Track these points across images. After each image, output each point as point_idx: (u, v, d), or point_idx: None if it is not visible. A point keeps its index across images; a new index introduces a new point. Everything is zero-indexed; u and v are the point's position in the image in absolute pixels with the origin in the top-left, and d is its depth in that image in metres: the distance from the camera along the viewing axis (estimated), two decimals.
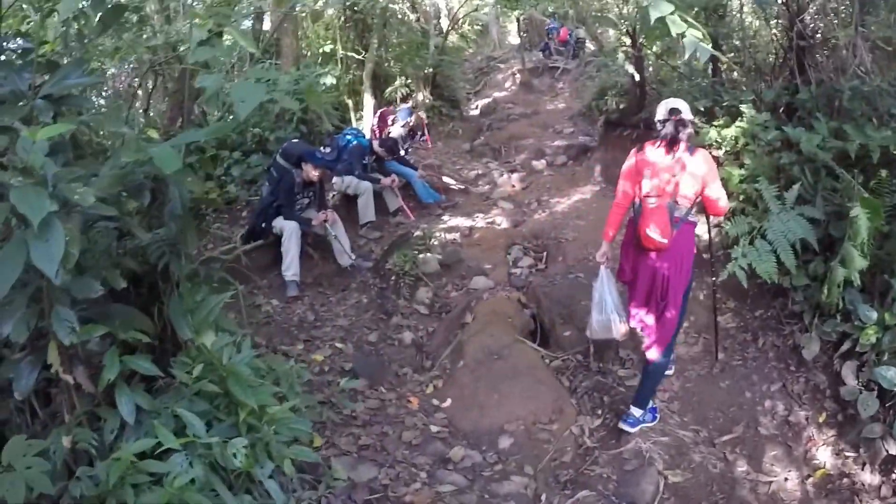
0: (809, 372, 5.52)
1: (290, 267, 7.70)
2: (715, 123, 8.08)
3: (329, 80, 10.25)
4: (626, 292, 5.11)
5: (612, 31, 19.94)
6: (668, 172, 4.37)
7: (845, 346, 5.21)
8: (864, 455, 4.70)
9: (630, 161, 4.65)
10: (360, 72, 16.16)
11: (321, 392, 5.18)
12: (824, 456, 4.88)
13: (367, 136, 10.27)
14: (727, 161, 7.56)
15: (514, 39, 23.88)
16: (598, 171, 11.03)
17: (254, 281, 7.95)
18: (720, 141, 7.83)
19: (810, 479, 4.74)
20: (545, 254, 8.35)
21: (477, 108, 18.33)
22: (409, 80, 16.32)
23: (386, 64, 16.53)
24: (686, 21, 3.19)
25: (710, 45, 3.44)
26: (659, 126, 4.52)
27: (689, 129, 4.43)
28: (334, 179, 9.39)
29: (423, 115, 11.24)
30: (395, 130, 10.45)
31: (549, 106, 17.88)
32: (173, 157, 2.61)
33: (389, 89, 16.01)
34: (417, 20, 18.97)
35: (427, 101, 15.84)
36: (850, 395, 4.89)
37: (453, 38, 25.55)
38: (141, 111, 8.71)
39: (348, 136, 9.51)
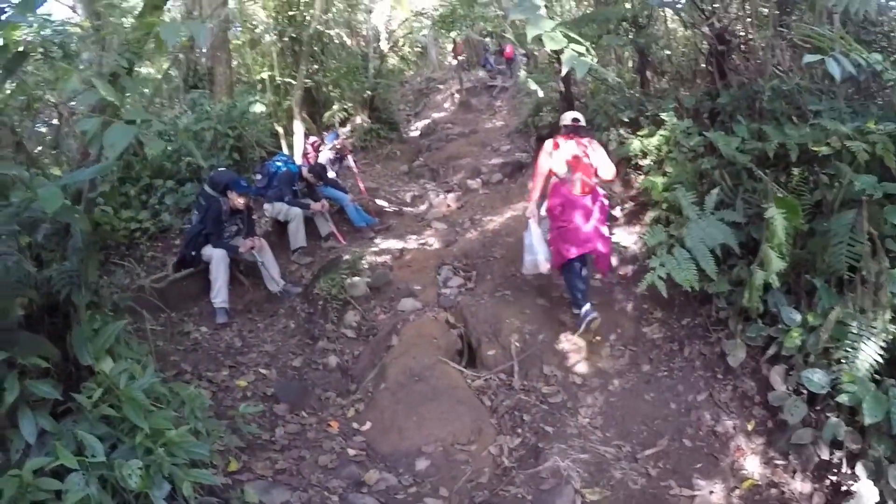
0: (737, 379, 5.65)
1: (219, 294, 7.87)
2: (639, 134, 8.43)
3: (258, 108, 10.45)
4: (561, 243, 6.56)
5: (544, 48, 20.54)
6: (580, 150, 6.44)
7: (771, 351, 5.34)
8: (795, 462, 4.73)
9: (548, 145, 6.63)
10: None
11: (237, 418, 5.28)
12: (753, 466, 4.92)
13: (299, 161, 10.48)
14: (652, 170, 7.87)
15: (453, 60, 24.21)
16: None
17: (184, 308, 8.11)
18: (644, 151, 8.17)
19: (737, 491, 4.73)
20: (474, 273, 8.61)
21: (417, 129, 18.70)
22: (348, 105, 16.62)
23: (324, 88, 16.82)
24: (568, 37, 3.37)
25: (594, 59, 3.67)
26: (566, 127, 6.62)
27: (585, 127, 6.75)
28: (265, 206, 9.59)
29: (346, 140, 11.47)
30: (323, 155, 10.67)
31: (488, 124, 18.28)
32: (55, 196, 2.77)
33: (328, 114, 16.30)
34: (357, 44, 19.33)
35: (365, 124, 16.21)
36: (778, 401, 4.94)
37: (393, 60, 26.01)
38: (51, 150, 8.83)
39: (278, 163, 9.72)
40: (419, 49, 27.52)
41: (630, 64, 12.52)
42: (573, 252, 6.41)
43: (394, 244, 9.85)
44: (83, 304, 3.58)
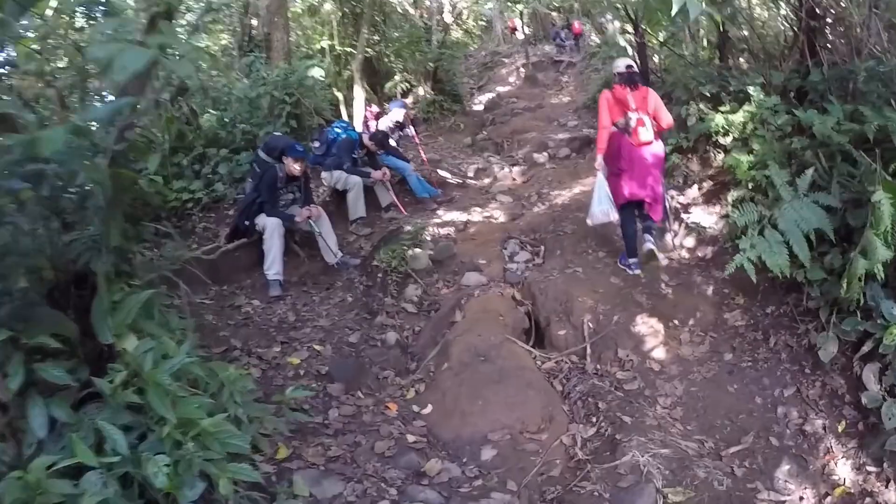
0: (827, 375, 5.03)
1: (272, 266, 7.35)
2: (721, 109, 7.63)
3: (317, 73, 9.84)
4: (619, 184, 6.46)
5: (616, 23, 19.61)
6: (639, 98, 6.23)
7: (866, 347, 4.72)
8: (889, 470, 4.20)
9: (606, 98, 6.42)
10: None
11: (284, 404, 4.69)
12: (844, 471, 4.40)
13: (358, 129, 9.87)
14: (735, 147, 7.09)
15: (518, 34, 23.33)
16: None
17: (237, 281, 7.61)
18: (727, 127, 7.38)
19: (828, 499, 4.25)
20: (542, 248, 7.86)
21: (480, 103, 17.92)
22: (410, 76, 15.98)
23: (386, 59, 16.21)
24: None
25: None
26: (620, 75, 6.38)
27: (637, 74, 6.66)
28: (322, 174, 9.01)
29: (411, 110, 10.81)
30: (382, 123, 10.05)
31: (554, 100, 17.40)
32: (56, 137, 2.19)
33: (389, 84, 15.68)
34: (421, 16, 18.70)
35: (428, 95, 15.51)
36: (872, 402, 4.44)
37: (457, 33, 25.27)
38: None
39: (337, 130, 9.10)
40: (484, 23, 26.79)
41: (705, 42, 11.63)
42: (626, 197, 6.37)
43: (457, 216, 9.16)
44: (103, 273, 2.98)
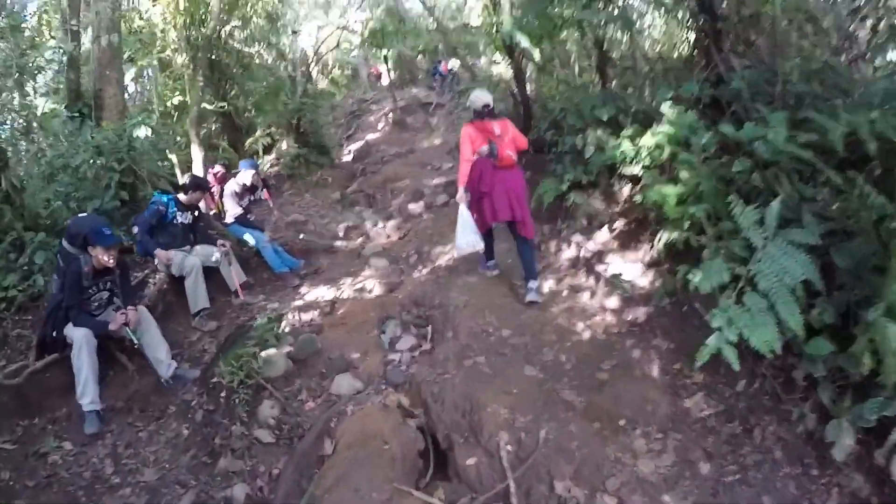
0: (839, 474, 3.48)
1: (85, 392, 5.19)
2: (624, 134, 5.99)
3: (141, 133, 7.60)
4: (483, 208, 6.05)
5: (481, 61, 18.20)
6: (500, 128, 5.97)
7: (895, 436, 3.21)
8: None
9: (467, 131, 5.97)
10: (217, 124, 13.72)
11: None
12: None
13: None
14: (650, 178, 5.43)
15: (384, 80, 21.62)
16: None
17: (49, 410, 5.41)
18: (635, 154, 5.75)
19: None
20: (430, 328, 5.96)
21: (350, 153, 16.03)
22: (270, 130, 13.90)
23: (247, 113, 14.04)
24: None
25: None
26: (480, 111, 6.01)
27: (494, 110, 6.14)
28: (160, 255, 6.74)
29: (259, 170, 8.69)
30: (228, 187, 7.92)
31: (425, 143, 15.69)
32: None
33: (250, 140, 13.51)
34: (285, 67, 16.71)
35: (292, 149, 13.46)
36: None
37: (323, 83, 23.34)
38: None
39: (157, 200, 6.87)
40: (350, 71, 25.01)
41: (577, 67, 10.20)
42: (493, 219, 6.05)
43: (324, 293, 7.16)
44: None
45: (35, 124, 11.12)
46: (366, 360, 5.61)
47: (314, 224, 10.43)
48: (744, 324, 3.50)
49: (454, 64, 20.32)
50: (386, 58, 19.21)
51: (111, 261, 5.42)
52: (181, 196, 6.90)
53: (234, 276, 7.03)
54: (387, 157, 14.71)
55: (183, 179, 7.03)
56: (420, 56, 24.33)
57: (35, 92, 12.95)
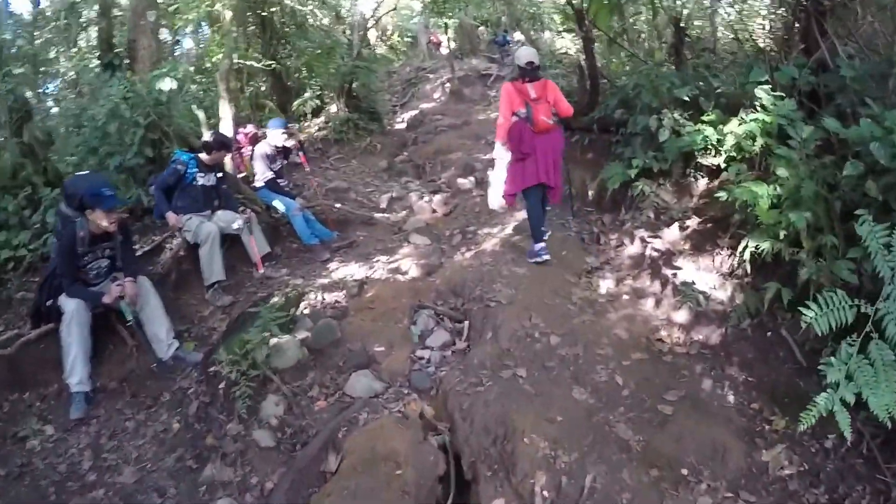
0: None
1: (73, 372, 4.56)
2: (705, 119, 4.95)
3: (166, 86, 6.78)
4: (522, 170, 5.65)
5: (546, 34, 17.08)
6: (539, 87, 5.62)
7: None
8: None
9: (507, 90, 5.67)
10: (266, 83, 12.93)
11: None
12: None
13: (227, 164, 6.89)
14: (739, 171, 4.43)
15: (443, 49, 20.53)
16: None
17: (42, 384, 4.85)
18: (718, 143, 4.74)
19: None
20: (467, 324, 5.02)
21: (403, 121, 14.99)
22: (320, 92, 13.04)
23: (297, 73, 13.21)
24: None
25: None
26: (523, 69, 5.70)
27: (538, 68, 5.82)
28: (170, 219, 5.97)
29: (295, 130, 7.79)
30: (259, 149, 7.08)
31: (482, 115, 14.60)
32: None
33: (297, 102, 12.65)
34: (343, 31, 15.83)
35: (342, 113, 12.52)
36: None
37: (382, 49, 22.39)
38: None
39: (176, 164, 6.06)
40: (409, 38, 23.96)
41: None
42: (533, 181, 5.65)
43: (354, 271, 6.25)
44: None
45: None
46: (390, 355, 4.72)
47: (356, 193, 9.56)
48: (865, 381, 2.53)
49: (519, 37, 19.19)
50: (446, 25, 18.11)
51: (111, 225, 4.71)
52: (203, 156, 6.09)
53: (254, 246, 6.19)
54: (440, 127, 13.66)
55: (206, 137, 6.18)
56: (482, 27, 23.24)
57: (87, 45, 12.33)
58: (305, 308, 5.40)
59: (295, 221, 6.83)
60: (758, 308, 4.04)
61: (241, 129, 7.49)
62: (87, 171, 5.59)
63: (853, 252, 3.47)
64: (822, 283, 3.58)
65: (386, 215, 8.53)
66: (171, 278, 6.09)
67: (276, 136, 7.03)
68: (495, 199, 6.20)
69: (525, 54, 5.78)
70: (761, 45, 6.28)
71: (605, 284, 5.22)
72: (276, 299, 5.29)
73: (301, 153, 7.72)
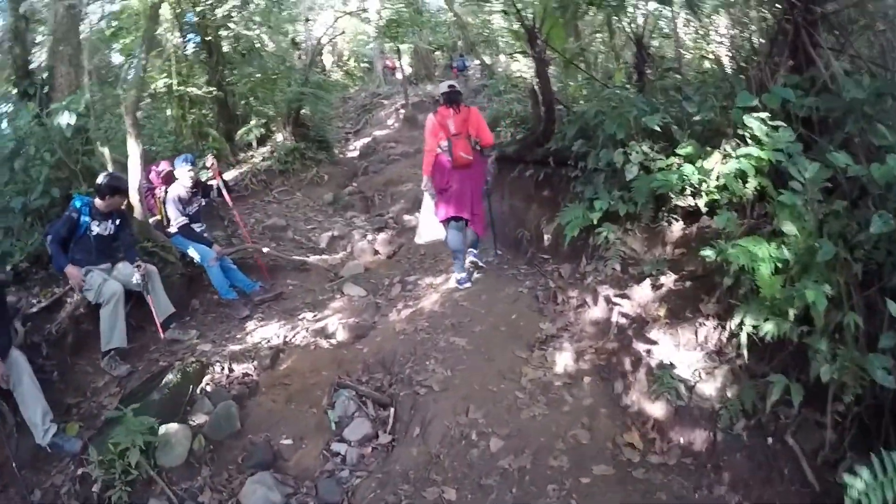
0: None
1: None
2: (680, 152, 4.08)
3: (64, 120, 5.77)
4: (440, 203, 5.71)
5: (502, 57, 16.32)
6: (459, 121, 5.56)
7: None
8: None
9: (431, 122, 5.63)
10: (204, 110, 11.86)
11: None
12: None
13: (134, 199, 5.86)
14: (728, 221, 3.53)
15: (398, 74, 19.65)
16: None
17: None
18: (699, 182, 3.87)
19: None
20: (393, 412, 4.09)
21: (356, 149, 14.11)
22: (266, 120, 12.01)
23: (244, 100, 12.16)
24: None
25: None
26: (444, 95, 5.68)
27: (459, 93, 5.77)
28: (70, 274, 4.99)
29: (213, 164, 6.71)
30: (174, 189, 6.07)
31: None
32: None
33: (241, 130, 11.61)
34: (299, 56, 14.85)
35: (288, 142, 11.53)
36: None
37: (338, 75, 21.42)
38: None
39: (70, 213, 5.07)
40: (366, 64, 23.00)
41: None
42: (450, 213, 5.68)
43: (274, 332, 5.36)
44: None
45: None
46: (300, 450, 3.84)
47: (295, 230, 8.63)
48: None
49: (476, 61, 18.48)
50: (399, 50, 17.26)
51: None
52: (97, 202, 5.07)
53: (153, 307, 5.17)
54: (392, 155, 12.82)
55: (99, 180, 5.16)
56: (438, 51, 22.44)
57: None
58: (208, 384, 4.41)
59: (211, 273, 5.87)
60: (756, 406, 3.13)
61: (153, 168, 6.46)
62: None
63: (886, 339, 2.59)
64: (845, 382, 2.68)
65: (324, 257, 7.63)
66: (67, 340, 5.11)
67: (183, 174, 6.03)
68: (425, 233, 6.00)
69: (444, 83, 5.96)
70: (728, 63, 5.44)
71: (563, 360, 4.31)
72: (170, 377, 4.27)
73: (222, 190, 6.65)
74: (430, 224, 5.92)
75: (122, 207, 5.38)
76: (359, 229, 8.73)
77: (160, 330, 5.17)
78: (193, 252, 5.91)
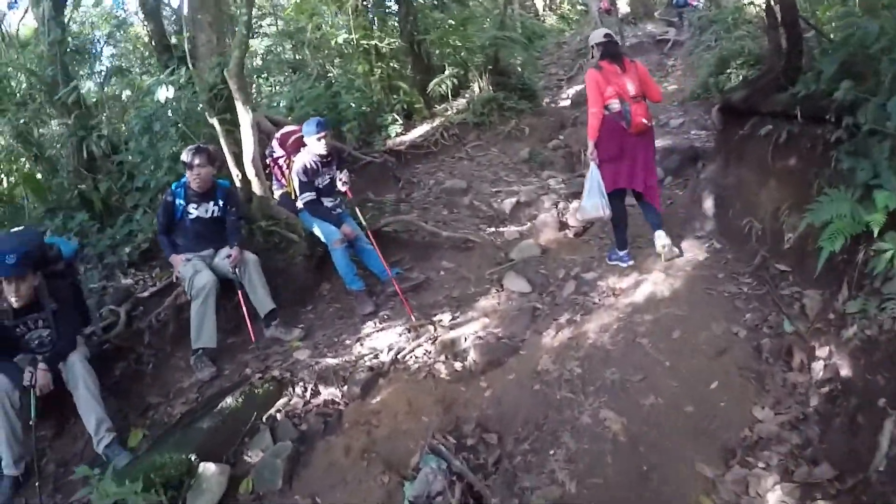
0: None
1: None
2: None
3: (162, 95, 4.97)
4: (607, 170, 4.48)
5: None
6: (635, 80, 4.47)
7: None
8: None
9: (595, 79, 4.52)
10: (396, 63, 10.79)
11: None
12: None
13: (250, 171, 4.80)
14: None
15: (613, 14, 17.18)
16: (710, 206, 4.96)
17: None
18: None
19: None
20: None
21: (568, 97, 12.20)
22: (459, 70, 10.65)
23: (437, 51, 10.93)
24: None
25: None
26: (601, 46, 4.62)
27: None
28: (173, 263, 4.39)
29: (327, 137, 5.16)
30: (300, 160, 4.83)
31: None
32: None
33: (433, 82, 10.34)
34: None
35: (485, 92, 10.08)
36: None
37: (552, 19, 19.51)
38: None
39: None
40: (582, 6, 20.64)
41: None
42: (620, 184, 4.58)
43: (390, 340, 4.07)
44: None
45: None
46: None
47: (477, 194, 7.27)
48: None
49: None
50: None
51: (14, 298, 3.40)
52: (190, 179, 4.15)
53: (243, 302, 4.18)
54: None
55: (183, 155, 4.18)
56: None
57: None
58: (280, 410, 3.27)
59: (335, 256, 4.70)
60: None
61: (282, 134, 5.31)
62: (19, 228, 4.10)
63: None
64: None
65: (501, 229, 6.12)
66: (168, 330, 4.47)
67: (312, 142, 4.79)
68: (590, 206, 4.62)
69: (598, 32, 4.87)
70: None
71: (777, 499, 2.34)
72: (229, 400, 3.14)
73: (345, 169, 5.22)
74: (592, 197, 4.54)
75: (227, 186, 4.54)
76: (552, 193, 7.05)
77: (251, 330, 4.17)
78: (318, 231, 4.74)
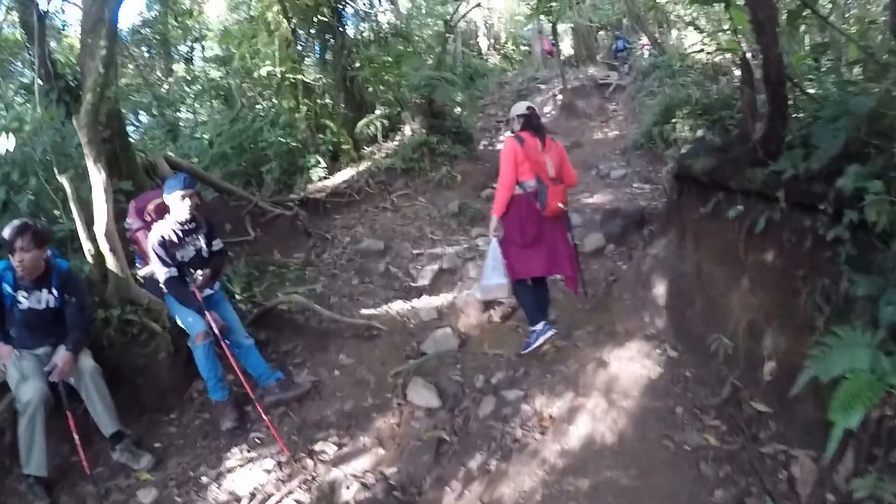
0: None
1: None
2: None
3: (1, 146, 3.99)
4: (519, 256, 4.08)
5: (673, 33, 13.26)
6: (551, 158, 4.06)
7: None
8: None
9: (512, 150, 4.00)
10: (326, 100, 9.94)
11: None
12: None
13: (104, 247, 3.77)
14: None
15: (555, 56, 16.90)
16: (661, 293, 4.19)
17: None
18: None
19: None
20: None
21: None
22: (392, 110, 9.85)
23: (370, 89, 10.09)
24: None
25: None
26: (527, 117, 4.16)
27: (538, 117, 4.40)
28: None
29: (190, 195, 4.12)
30: (153, 233, 3.83)
31: (597, 134, 11.00)
32: None
33: (361, 123, 9.49)
34: (453, 40, 12.74)
35: (417, 135, 9.29)
36: None
37: (495, 58, 19.12)
38: None
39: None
40: (526, 47, 20.38)
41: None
42: (539, 272, 4.16)
43: (256, 480, 3.14)
44: None
45: None
46: None
47: (395, 257, 6.49)
48: None
49: (642, 40, 15.38)
50: (555, 29, 14.42)
51: None
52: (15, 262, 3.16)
53: (73, 427, 3.18)
54: None
55: (4, 231, 3.19)
56: (601, 31, 19.33)
57: None
58: None
59: (196, 354, 3.69)
60: None
61: (139, 199, 4.27)
62: None
63: None
64: None
65: (417, 305, 5.28)
66: (5, 440, 3.37)
67: (175, 202, 3.78)
68: (491, 284, 4.18)
69: (521, 105, 4.34)
70: None
71: None
72: None
73: (199, 226, 4.22)
74: (496, 275, 4.05)
75: (65, 268, 3.56)
76: (479, 259, 6.24)
77: (83, 458, 3.16)
78: (180, 319, 3.76)
